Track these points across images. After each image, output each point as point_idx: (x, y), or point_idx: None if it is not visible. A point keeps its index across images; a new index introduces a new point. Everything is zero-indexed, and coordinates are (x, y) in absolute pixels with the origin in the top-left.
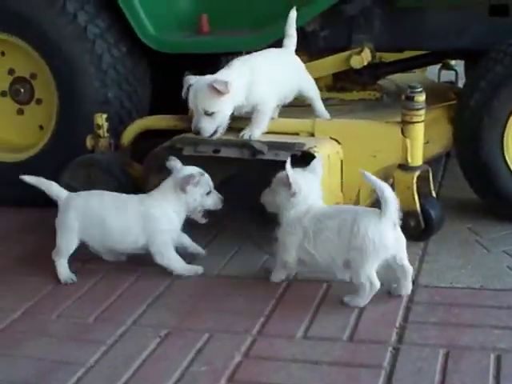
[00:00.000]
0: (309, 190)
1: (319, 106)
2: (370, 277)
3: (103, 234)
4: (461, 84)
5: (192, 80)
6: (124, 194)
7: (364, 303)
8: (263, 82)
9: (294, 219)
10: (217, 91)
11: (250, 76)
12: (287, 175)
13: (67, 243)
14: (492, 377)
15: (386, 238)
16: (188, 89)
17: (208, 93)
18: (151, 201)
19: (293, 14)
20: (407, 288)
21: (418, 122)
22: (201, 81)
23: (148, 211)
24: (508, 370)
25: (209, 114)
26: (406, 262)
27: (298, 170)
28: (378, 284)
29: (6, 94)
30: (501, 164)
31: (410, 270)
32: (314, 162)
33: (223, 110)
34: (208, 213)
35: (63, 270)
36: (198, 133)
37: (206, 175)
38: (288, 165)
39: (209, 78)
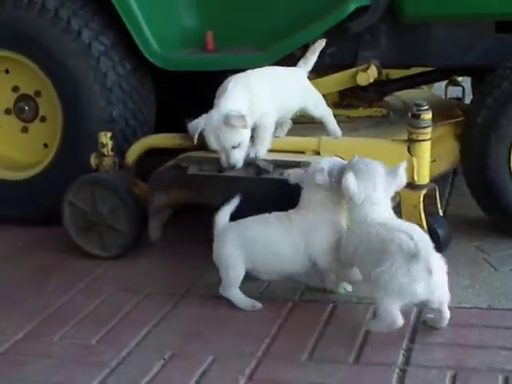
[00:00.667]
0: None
1: (330, 123)
2: (390, 313)
3: (271, 260)
4: (468, 100)
5: (202, 123)
6: (279, 213)
7: (382, 330)
8: (261, 99)
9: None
10: (235, 125)
11: (250, 96)
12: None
13: (235, 276)
14: None
15: (415, 284)
16: (201, 133)
17: (228, 129)
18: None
19: (320, 44)
20: (441, 324)
21: (425, 140)
22: (214, 120)
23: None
24: None
25: (235, 147)
26: (441, 307)
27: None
28: (399, 322)
29: (10, 112)
30: (508, 181)
31: (445, 315)
32: (398, 167)
33: (246, 136)
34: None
35: (240, 298)
36: (233, 167)
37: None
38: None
39: (221, 114)
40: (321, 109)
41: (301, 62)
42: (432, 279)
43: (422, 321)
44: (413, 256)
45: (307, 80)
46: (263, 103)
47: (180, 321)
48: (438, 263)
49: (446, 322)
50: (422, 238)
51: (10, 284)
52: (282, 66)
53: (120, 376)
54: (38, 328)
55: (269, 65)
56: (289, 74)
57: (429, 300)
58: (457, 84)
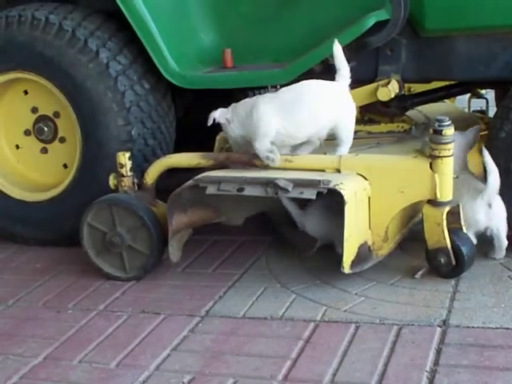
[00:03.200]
0: None
1: (339, 150)
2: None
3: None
4: (492, 112)
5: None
6: None
7: None
8: None
9: None
10: None
11: None
12: None
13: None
14: None
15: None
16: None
17: None
18: None
19: (336, 47)
20: (499, 254)
21: (447, 157)
22: None
23: None
24: None
25: None
26: (499, 233)
27: None
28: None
29: (29, 133)
30: None
31: (502, 240)
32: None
33: None
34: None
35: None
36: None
37: None
38: None
39: None
40: (341, 132)
41: (336, 77)
42: (491, 211)
43: (446, 343)
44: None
45: (347, 97)
46: None
47: (200, 343)
48: (498, 200)
49: (503, 252)
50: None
51: (29, 306)
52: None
53: None
54: (57, 351)
55: (287, 81)
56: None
57: (489, 227)
58: (480, 96)
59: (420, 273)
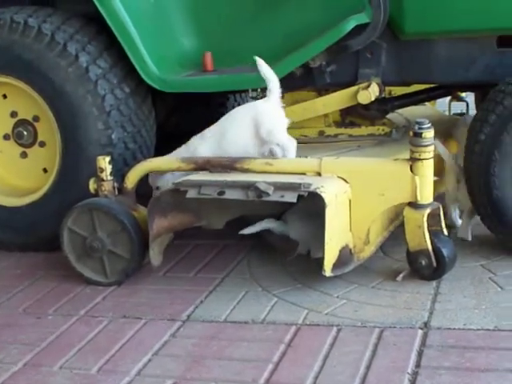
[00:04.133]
0: None
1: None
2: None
3: None
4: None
5: None
6: None
7: None
8: None
9: None
10: None
11: None
12: None
13: None
14: None
15: None
16: None
17: None
18: None
19: (259, 62)
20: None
21: (427, 159)
22: None
23: None
24: None
25: None
26: None
27: None
28: None
29: (8, 137)
30: None
31: None
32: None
33: None
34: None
35: None
36: None
37: None
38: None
39: None
40: None
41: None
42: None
43: (427, 344)
44: None
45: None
46: None
47: (181, 347)
48: None
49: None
50: None
51: (9, 312)
52: (281, 85)
53: None
54: (37, 358)
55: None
56: None
57: None
58: (460, 99)
59: (401, 275)
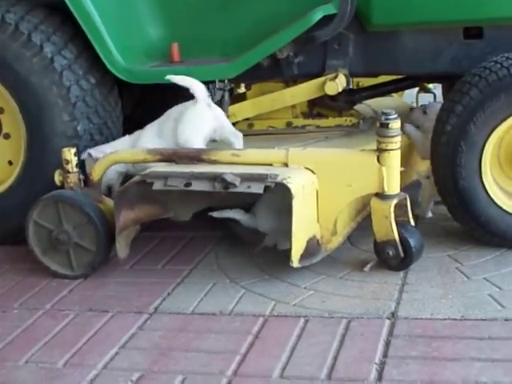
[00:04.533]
0: None
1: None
2: None
3: None
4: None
5: None
6: None
7: None
8: None
9: None
10: None
11: None
12: None
13: None
14: None
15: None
16: None
17: None
18: None
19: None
20: None
21: (394, 150)
22: None
23: None
24: None
25: None
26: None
27: None
28: None
29: None
30: (479, 190)
31: None
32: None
33: None
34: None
35: None
36: None
37: None
38: None
39: None
40: None
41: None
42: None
43: (394, 334)
44: None
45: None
46: None
47: (148, 340)
48: None
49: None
50: None
51: None
52: (249, 76)
53: None
54: (2, 352)
55: (234, 76)
56: None
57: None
58: (428, 91)
59: (369, 266)
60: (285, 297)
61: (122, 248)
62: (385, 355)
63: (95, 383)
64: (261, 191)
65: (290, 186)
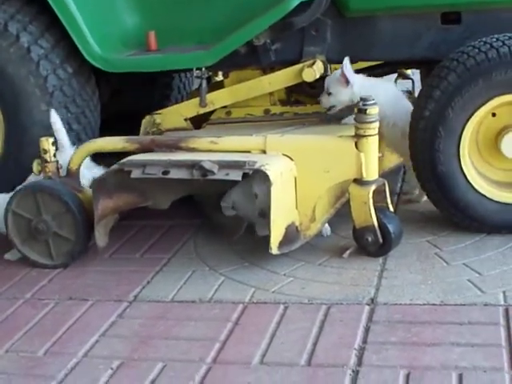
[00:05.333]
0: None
1: None
2: None
3: None
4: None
5: None
6: None
7: None
8: None
9: None
10: None
11: None
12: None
13: None
14: None
15: None
16: None
17: None
18: None
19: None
20: None
21: (372, 136)
22: None
23: None
24: None
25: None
26: None
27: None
28: None
29: None
30: (458, 175)
31: None
32: None
33: None
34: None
35: None
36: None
37: None
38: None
39: None
40: None
41: None
42: None
43: (374, 320)
44: None
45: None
46: None
47: (128, 328)
48: None
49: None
50: None
51: None
52: (226, 63)
53: None
54: None
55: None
56: None
57: None
58: (406, 77)
59: (348, 252)
60: (264, 284)
61: (100, 237)
62: (364, 341)
63: (76, 371)
64: (239, 178)
65: (268, 172)
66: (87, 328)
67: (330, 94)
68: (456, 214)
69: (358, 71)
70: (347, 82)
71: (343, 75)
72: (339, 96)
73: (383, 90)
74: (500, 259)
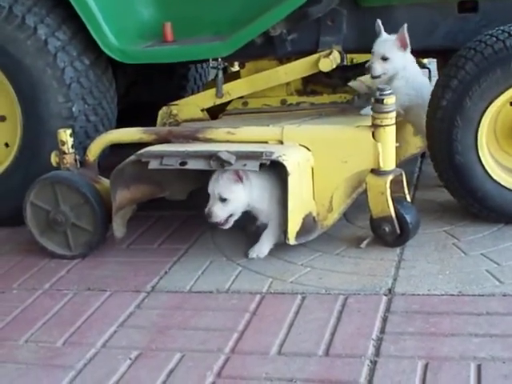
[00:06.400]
0: None
1: None
2: None
3: None
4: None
5: None
6: None
7: None
8: None
9: None
10: None
11: None
12: None
13: None
14: None
15: None
16: None
17: None
18: None
19: None
20: None
21: (389, 125)
22: None
23: None
24: (488, 380)
25: None
26: None
27: None
28: None
29: None
30: (476, 165)
31: None
32: None
33: None
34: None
35: None
36: None
37: None
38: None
39: None
40: None
41: None
42: None
43: (391, 311)
44: None
45: None
46: None
47: (146, 318)
48: None
49: None
50: None
51: None
52: (242, 54)
53: (86, 378)
54: (2, 332)
55: (228, 54)
56: None
57: None
58: (423, 67)
59: (365, 242)
60: (281, 274)
61: (118, 227)
62: (382, 331)
63: (94, 361)
64: (256, 169)
65: (285, 163)
66: (105, 318)
67: (386, 59)
68: (474, 204)
69: None
70: (405, 46)
71: (402, 38)
72: (395, 61)
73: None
74: None
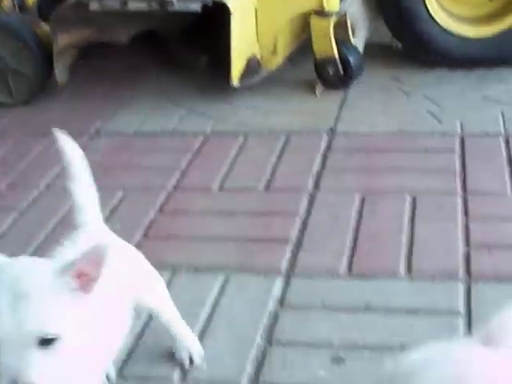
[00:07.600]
0: None
1: None
2: None
3: None
4: None
5: None
6: None
7: None
8: None
9: None
10: None
11: None
12: None
13: None
14: (407, 219)
15: None
16: None
17: None
18: None
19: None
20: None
21: None
22: None
23: None
24: (422, 212)
25: None
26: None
27: None
28: None
29: None
30: (420, 8)
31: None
32: None
33: None
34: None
35: None
36: None
37: None
38: None
39: None
40: None
41: None
42: None
43: (333, 148)
44: None
45: None
46: None
47: (90, 160)
48: None
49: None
50: None
51: None
52: None
53: (30, 218)
54: None
55: None
56: None
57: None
58: None
59: (318, 89)
60: (225, 115)
61: (60, 73)
62: (322, 167)
63: (37, 203)
64: (199, 10)
65: (228, 4)
66: (49, 162)
67: None
68: (419, 47)
69: None
70: None
71: None
72: None
73: None
74: (459, 92)
